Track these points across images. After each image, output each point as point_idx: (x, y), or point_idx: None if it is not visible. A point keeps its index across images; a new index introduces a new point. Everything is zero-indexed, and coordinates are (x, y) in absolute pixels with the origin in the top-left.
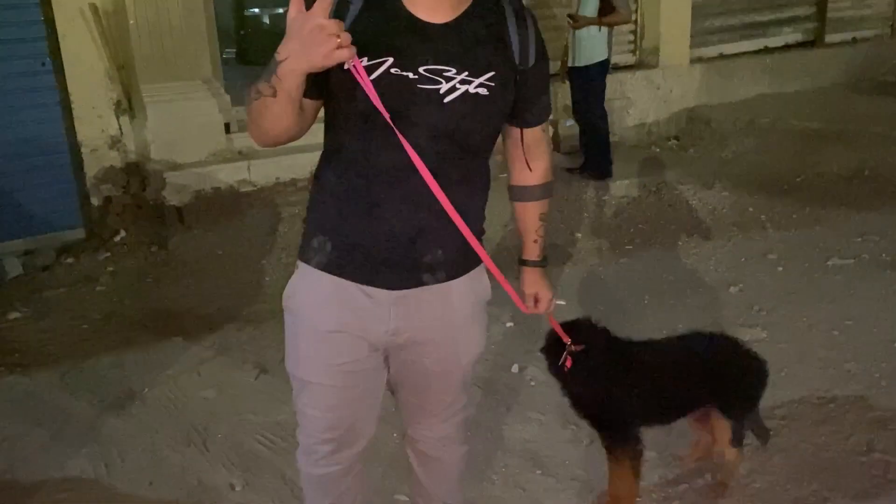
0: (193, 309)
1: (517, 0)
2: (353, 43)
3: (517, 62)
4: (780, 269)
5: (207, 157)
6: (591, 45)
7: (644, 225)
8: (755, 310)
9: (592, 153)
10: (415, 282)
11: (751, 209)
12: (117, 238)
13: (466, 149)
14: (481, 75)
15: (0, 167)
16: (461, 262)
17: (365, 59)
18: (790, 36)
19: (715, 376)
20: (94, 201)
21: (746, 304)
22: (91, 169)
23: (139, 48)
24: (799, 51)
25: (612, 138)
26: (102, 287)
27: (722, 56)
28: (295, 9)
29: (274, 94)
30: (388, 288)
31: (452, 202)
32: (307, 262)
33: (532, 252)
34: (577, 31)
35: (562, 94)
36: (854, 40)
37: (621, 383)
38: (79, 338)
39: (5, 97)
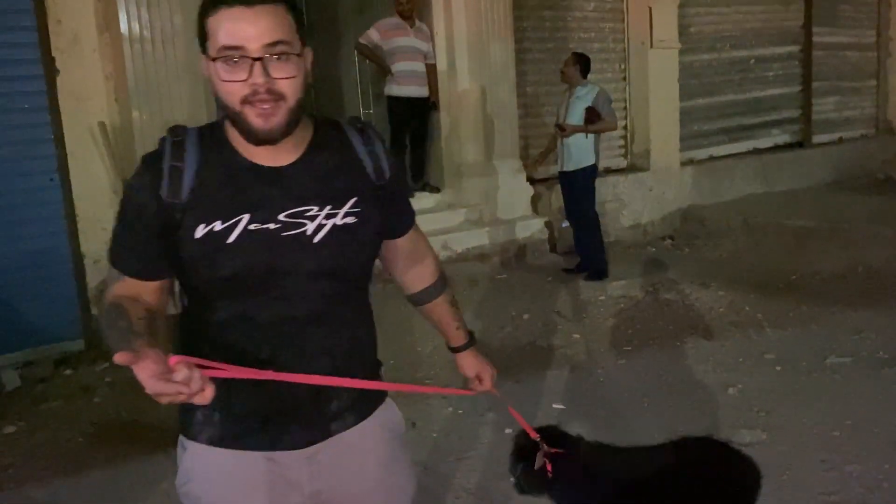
0: None
1: (356, 120)
2: (198, 207)
3: (375, 180)
4: (779, 368)
5: None
6: (579, 151)
7: (641, 325)
8: (755, 411)
9: (587, 254)
10: (324, 433)
11: (747, 308)
12: None
13: (349, 282)
14: (344, 204)
15: (2, 279)
16: (369, 398)
17: (218, 222)
18: (778, 137)
19: (706, 484)
20: (95, 311)
21: (746, 405)
22: (93, 280)
23: None
24: (788, 151)
25: (607, 239)
26: (99, 399)
27: (712, 158)
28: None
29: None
30: (295, 448)
31: (350, 339)
32: (194, 438)
33: (458, 337)
34: (565, 139)
35: (556, 196)
36: (841, 140)
37: (613, 491)
38: (73, 451)
39: (13, 211)
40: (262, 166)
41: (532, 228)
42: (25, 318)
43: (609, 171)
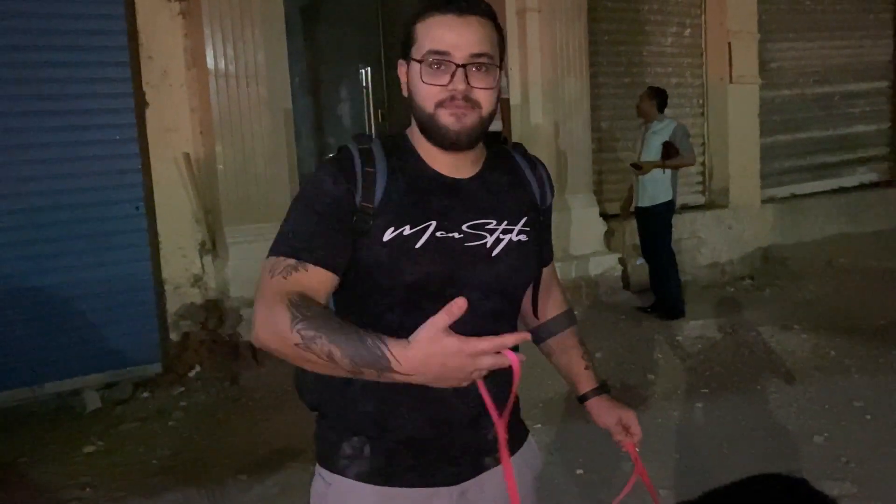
0: (260, 446)
1: (520, 146)
2: (387, 212)
3: (539, 203)
4: (869, 417)
5: None
6: (654, 187)
7: (720, 367)
8: (843, 461)
9: (663, 292)
10: (476, 468)
11: (832, 353)
12: (192, 373)
13: (513, 302)
14: (518, 221)
15: (88, 304)
16: (518, 433)
17: (407, 227)
18: (864, 176)
19: None
20: (173, 337)
21: (833, 455)
22: (173, 306)
23: (226, 193)
24: (875, 191)
25: (684, 277)
26: (174, 422)
27: (794, 196)
28: (455, 346)
29: (353, 374)
30: (448, 484)
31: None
32: (340, 472)
33: (589, 381)
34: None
35: (630, 232)
36: None
37: None
38: (147, 473)
39: (100, 238)
40: (445, 176)
41: (605, 265)
42: (107, 341)
43: (686, 208)
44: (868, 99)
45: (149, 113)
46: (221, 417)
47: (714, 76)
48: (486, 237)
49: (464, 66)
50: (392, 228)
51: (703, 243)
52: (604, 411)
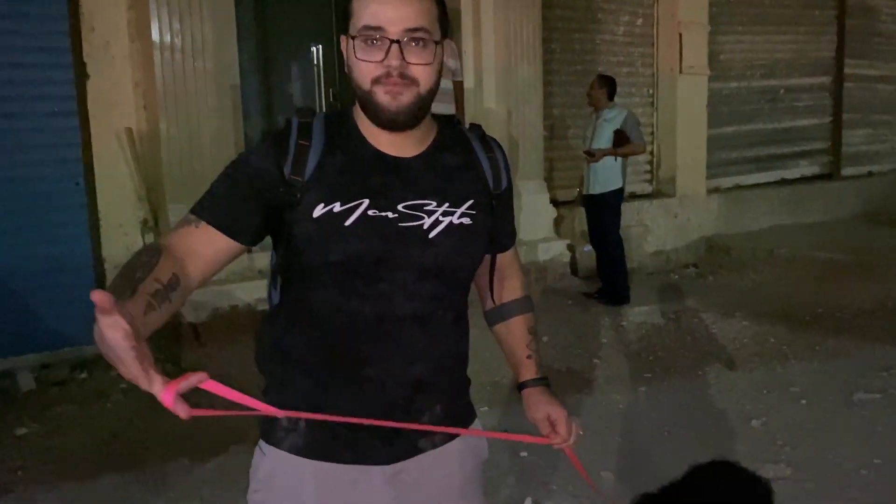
0: (201, 429)
1: (478, 127)
2: (319, 187)
3: (491, 187)
4: (804, 402)
5: (227, 276)
6: (606, 174)
7: (663, 353)
8: (779, 445)
9: (609, 279)
10: (411, 450)
11: (772, 340)
12: None
13: (455, 286)
14: (462, 205)
15: (24, 282)
16: (461, 416)
17: (337, 203)
18: (806, 168)
19: None
20: None
21: (770, 438)
22: None
23: (169, 170)
24: (816, 183)
25: (629, 264)
26: (112, 405)
27: (739, 186)
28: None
29: None
30: (382, 463)
31: (447, 347)
32: (276, 444)
33: (529, 370)
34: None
35: (579, 220)
36: (870, 174)
37: None
38: (85, 456)
39: (37, 213)
40: (387, 155)
41: (554, 251)
42: (44, 320)
43: (634, 196)
44: (811, 93)
45: (90, 86)
46: None
47: (665, 66)
48: (423, 218)
49: (398, 41)
50: (322, 204)
51: (649, 231)
52: (535, 405)
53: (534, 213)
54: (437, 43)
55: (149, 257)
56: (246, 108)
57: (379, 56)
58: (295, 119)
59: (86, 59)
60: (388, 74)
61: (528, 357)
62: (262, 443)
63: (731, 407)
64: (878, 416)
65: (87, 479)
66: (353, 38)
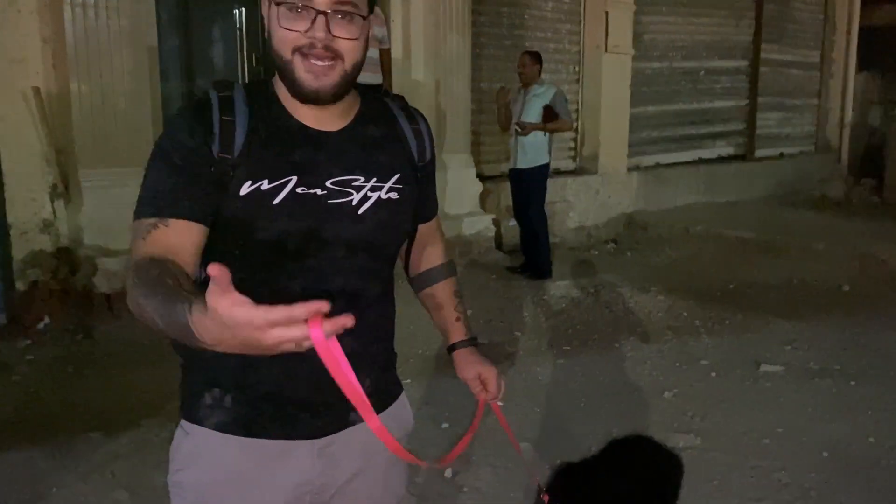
0: (113, 402)
1: (401, 98)
2: (246, 164)
3: (416, 159)
4: (714, 374)
5: None
6: (534, 150)
7: (582, 326)
8: (689, 416)
9: (532, 253)
10: (340, 423)
11: (685, 314)
12: (40, 325)
13: (384, 259)
14: (389, 179)
15: None
16: (388, 390)
17: (265, 181)
18: (723, 149)
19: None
20: (20, 286)
21: (681, 409)
22: (19, 253)
23: (80, 133)
24: (731, 163)
25: (552, 240)
26: (18, 377)
27: (658, 165)
28: (243, 317)
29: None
30: (310, 437)
31: (375, 321)
32: (199, 422)
33: (458, 332)
34: (521, 136)
35: (504, 194)
36: (781, 155)
37: None
38: None
39: None
40: (311, 129)
41: (479, 225)
42: None
43: (558, 173)
44: (729, 76)
45: None
46: (72, 372)
47: (591, 44)
48: (352, 194)
49: (325, 13)
50: (250, 182)
51: (572, 207)
52: (465, 364)
53: (460, 187)
54: (364, 17)
55: (158, 270)
56: (164, 70)
57: (303, 26)
58: (214, 93)
59: None
60: (311, 45)
61: (457, 319)
62: (183, 422)
63: (645, 379)
64: (782, 387)
65: None
66: (277, 4)
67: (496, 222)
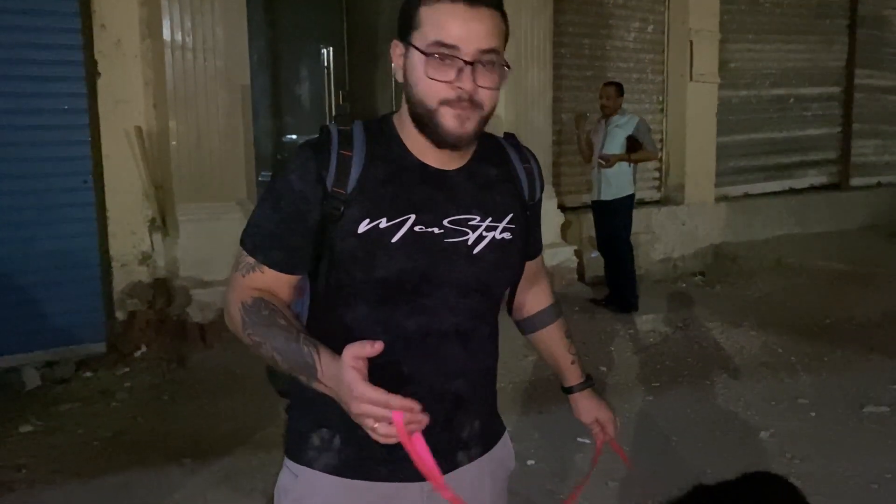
0: (206, 430)
1: (513, 136)
2: (363, 200)
3: (526, 198)
4: (813, 414)
5: None
6: (619, 181)
7: (671, 361)
8: (787, 457)
9: (617, 286)
10: (449, 465)
11: (780, 350)
12: (137, 353)
13: (493, 300)
14: (503, 219)
15: (31, 279)
16: (494, 430)
17: (384, 219)
18: (815, 178)
19: None
20: (119, 315)
21: (778, 450)
22: (119, 283)
23: (178, 169)
24: (824, 193)
25: (637, 272)
26: (118, 403)
27: (747, 195)
28: (348, 380)
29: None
30: (420, 480)
31: (485, 362)
32: (308, 464)
33: (574, 375)
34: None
35: (587, 225)
36: (879, 184)
37: None
38: (88, 455)
39: (46, 212)
40: (430, 167)
41: (561, 256)
42: (50, 318)
43: (642, 203)
44: (821, 103)
45: (100, 83)
46: (167, 399)
47: (675, 73)
48: (467, 234)
49: (472, 63)
50: (368, 220)
51: (657, 238)
52: (584, 409)
53: (542, 218)
54: (505, 65)
55: (269, 310)
56: (255, 108)
57: (450, 76)
58: (334, 127)
59: (97, 57)
60: (459, 98)
61: (573, 363)
62: (290, 463)
63: (739, 417)
64: (889, 429)
65: (90, 478)
66: (422, 52)
67: (578, 254)
